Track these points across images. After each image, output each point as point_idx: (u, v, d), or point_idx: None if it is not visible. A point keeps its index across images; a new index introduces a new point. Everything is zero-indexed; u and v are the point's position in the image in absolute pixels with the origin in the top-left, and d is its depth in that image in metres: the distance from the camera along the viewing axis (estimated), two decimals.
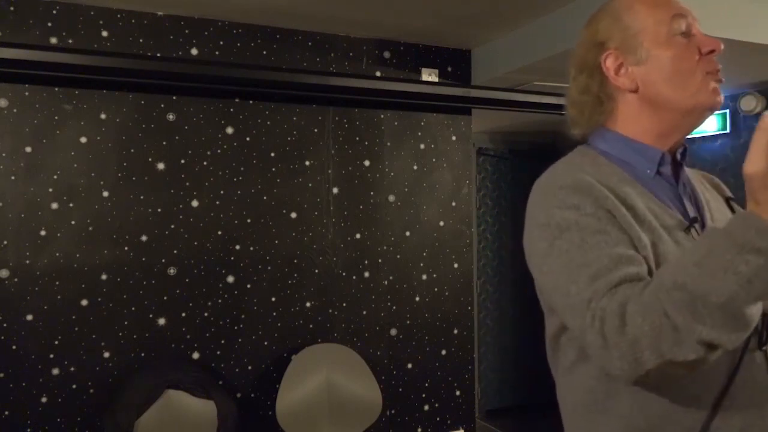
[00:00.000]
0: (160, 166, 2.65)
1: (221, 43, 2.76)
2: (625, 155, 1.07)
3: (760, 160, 0.77)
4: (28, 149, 2.46)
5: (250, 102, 2.80)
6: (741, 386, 0.92)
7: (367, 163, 3.01)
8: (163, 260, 2.63)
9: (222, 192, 2.73)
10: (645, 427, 0.93)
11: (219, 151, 2.74)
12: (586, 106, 1.12)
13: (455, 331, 3.17)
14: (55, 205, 2.48)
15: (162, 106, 2.66)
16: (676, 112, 1.04)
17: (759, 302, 0.78)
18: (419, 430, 3.06)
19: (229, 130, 2.76)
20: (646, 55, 1.05)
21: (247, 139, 2.79)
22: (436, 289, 3.13)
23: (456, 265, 3.18)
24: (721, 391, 0.90)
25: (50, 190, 2.48)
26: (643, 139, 1.07)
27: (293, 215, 2.86)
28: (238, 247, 2.75)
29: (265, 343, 2.78)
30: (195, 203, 2.69)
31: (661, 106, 1.05)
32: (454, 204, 3.19)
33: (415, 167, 3.12)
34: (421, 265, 3.10)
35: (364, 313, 2.97)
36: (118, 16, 2.60)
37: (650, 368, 0.80)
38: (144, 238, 2.60)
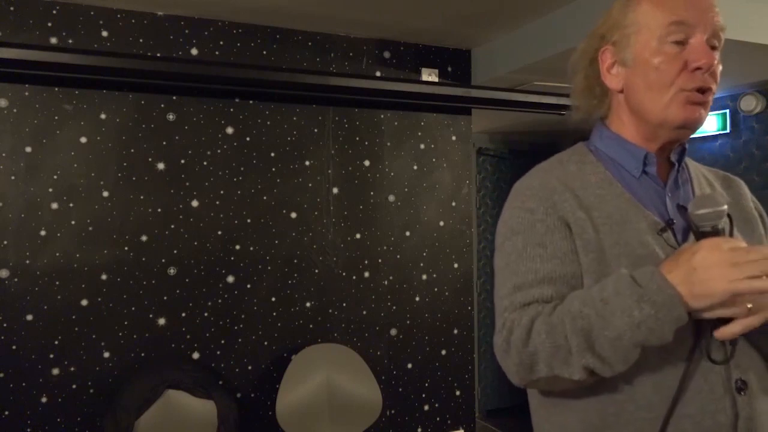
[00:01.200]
0: (160, 166, 2.65)
1: (221, 43, 2.76)
2: (616, 154, 1.08)
3: (714, 247, 0.87)
4: (28, 149, 2.46)
5: (250, 102, 2.80)
6: (695, 394, 0.93)
7: (367, 163, 3.01)
8: (163, 260, 2.63)
9: (222, 192, 2.73)
10: (600, 425, 0.97)
11: (219, 151, 2.74)
12: (585, 95, 1.13)
13: (455, 331, 3.17)
14: (55, 205, 2.48)
15: (162, 106, 2.66)
16: (649, 122, 1.04)
17: (639, 348, 0.88)
18: (419, 430, 3.06)
19: (229, 130, 2.76)
20: (633, 58, 1.03)
21: (247, 139, 2.79)
22: (436, 289, 3.13)
23: (456, 265, 3.18)
24: (673, 399, 0.93)
25: (50, 190, 2.48)
26: (634, 138, 1.07)
27: (293, 215, 2.86)
28: (238, 247, 2.75)
29: (265, 343, 2.78)
30: (195, 203, 2.69)
31: (639, 113, 1.05)
32: (454, 204, 3.18)
33: (415, 167, 3.11)
34: (421, 265, 3.10)
35: (364, 313, 2.97)
36: (118, 16, 2.60)
37: (540, 377, 0.92)
38: (144, 238, 2.60)
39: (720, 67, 1.02)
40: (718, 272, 0.85)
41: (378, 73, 3.05)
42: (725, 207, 0.93)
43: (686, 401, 0.93)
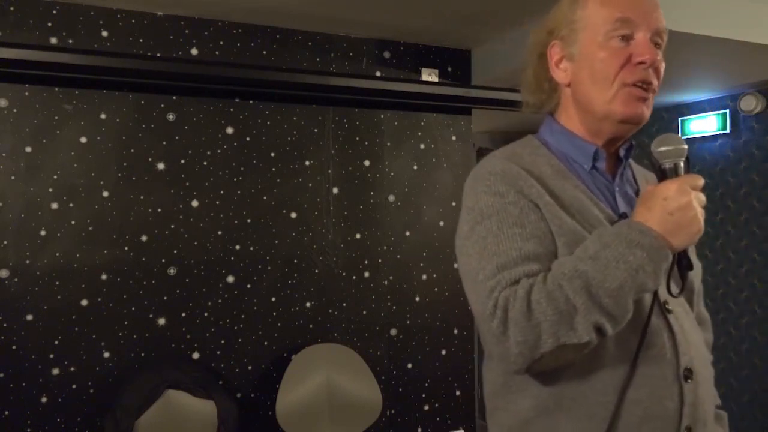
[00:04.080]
0: (160, 166, 2.65)
1: (221, 43, 2.76)
2: (565, 148, 1.11)
3: (682, 191, 0.93)
4: (28, 149, 2.46)
5: (250, 102, 2.80)
6: (647, 380, 0.97)
7: (367, 163, 3.01)
8: (163, 260, 2.63)
9: (222, 192, 2.73)
10: (553, 408, 0.98)
11: (219, 151, 2.74)
12: (534, 90, 1.17)
13: (455, 331, 3.17)
14: (55, 205, 2.48)
15: (162, 106, 2.66)
16: (594, 116, 1.07)
17: (635, 296, 0.91)
18: (419, 430, 3.06)
19: (229, 130, 2.76)
20: (579, 52, 1.07)
21: (247, 139, 2.79)
22: (436, 289, 3.13)
23: (456, 265, 3.18)
24: (624, 382, 0.96)
25: (50, 190, 2.48)
26: (580, 133, 1.10)
27: (293, 215, 2.86)
28: (238, 247, 2.75)
29: (265, 343, 2.78)
30: (195, 203, 2.69)
31: (584, 106, 1.08)
32: (454, 204, 3.18)
33: (415, 167, 3.12)
34: (421, 265, 3.10)
35: (364, 313, 2.97)
36: (118, 16, 2.60)
37: (545, 352, 0.89)
38: (144, 238, 2.60)
39: (663, 66, 1.06)
40: (692, 214, 0.93)
41: (378, 73, 3.05)
42: (686, 146, 0.98)
43: (638, 387, 0.96)
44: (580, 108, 1.09)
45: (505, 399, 1.05)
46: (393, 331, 3.03)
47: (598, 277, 0.89)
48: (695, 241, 0.95)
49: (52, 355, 2.45)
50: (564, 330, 0.88)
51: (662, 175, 0.98)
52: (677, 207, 0.92)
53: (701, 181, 0.96)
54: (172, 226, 2.65)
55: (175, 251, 2.65)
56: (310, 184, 2.89)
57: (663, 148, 0.98)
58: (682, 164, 0.97)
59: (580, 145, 1.09)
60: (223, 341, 2.71)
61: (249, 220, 2.77)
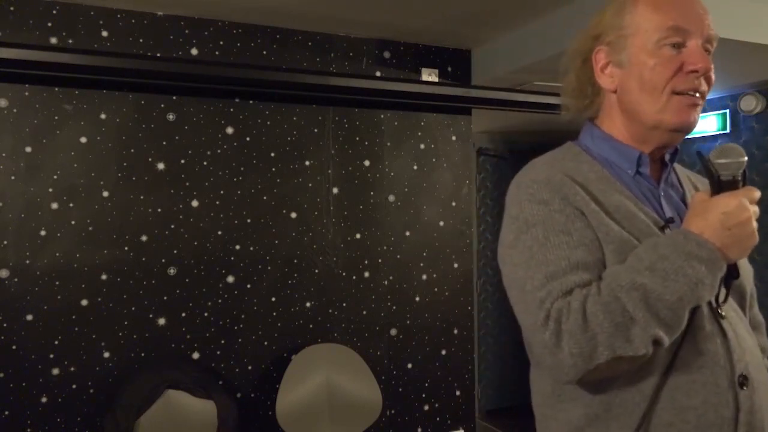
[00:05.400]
0: (160, 166, 2.65)
1: (221, 43, 2.76)
2: (607, 154, 1.09)
3: (741, 207, 0.92)
4: (28, 149, 2.46)
5: (250, 102, 2.80)
6: (700, 387, 0.95)
7: (367, 163, 3.01)
8: (163, 260, 2.63)
9: (222, 192, 2.73)
10: (603, 415, 0.97)
11: (219, 151, 2.74)
12: (576, 95, 1.15)
13: (455, 331, 3.17)
14: (55, 205, 2.48)
15: (162, 106, 2.66)
16: (642, 124, 1.05)
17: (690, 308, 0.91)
18: (419, 430, 3.06)
19: (229, 130, 2.76)
20: (628, 59, 1.04)
21: (247, 139, 2.79)
22: (436, 289, 3.13)
23: (456, 265, 3.18)
24: (660, 383, 0.95)
25: (50, 190, 2.48)
26: (624, 139, 1.08)
27: (293, 215, 2.86)
28: (238, 247, 2.75)
29: (265, 343, 2.78)
30: (195, 203, 2.69)
31: (632, 114, 1.06)
32: (454, 204, 3.18)
33: (415, 167, 3.12)
34: (421, 265, 3.10)
35: (364, 313, 2.97)
36: (118, 16, 2.60)
37: (600, 364, 0.88)
38: (144, 238, 2.60)
39: (713, 72, 1.04)
40: (751, 230, 0.93)
41: (378, 73, 3.05)
42: (746, 158, 0.97)
43: (691, 394, 0.95)
44: (626, 115, 1.07)
45: (555, 408, 1.04)
46: (393, 331, 3.03)
47: (657, 290, 0.88)
48: (748, 253, 0.95)
49: (52, 355, 2.45)
50: (620, 342, 0.87)
51: (719, 185, 0.96)
52: (736, 223, 0.91)
53: (758, 194, 0.95)
54: (172, 226, 2.65)
55: (175, 251, 2.65)
56: (310, 184, 2.89)
57: (722, 161, 0.96)
58: (739, 177, 0.96)
59: (624, 151, 1.07)
60: (223, 341, 2.71)
61: (249, 220, 2.77)
